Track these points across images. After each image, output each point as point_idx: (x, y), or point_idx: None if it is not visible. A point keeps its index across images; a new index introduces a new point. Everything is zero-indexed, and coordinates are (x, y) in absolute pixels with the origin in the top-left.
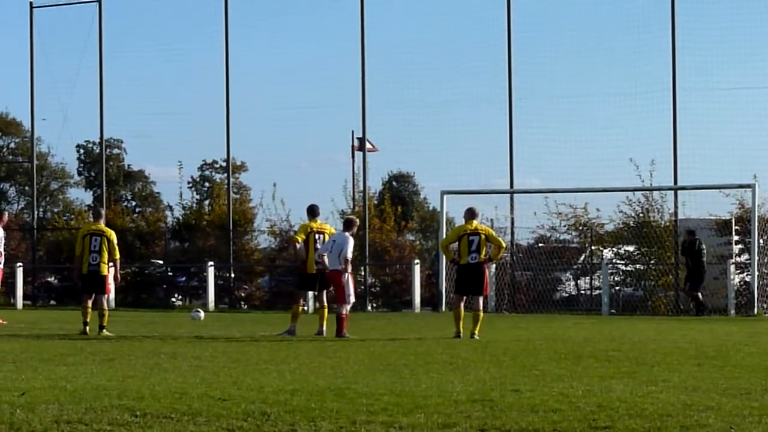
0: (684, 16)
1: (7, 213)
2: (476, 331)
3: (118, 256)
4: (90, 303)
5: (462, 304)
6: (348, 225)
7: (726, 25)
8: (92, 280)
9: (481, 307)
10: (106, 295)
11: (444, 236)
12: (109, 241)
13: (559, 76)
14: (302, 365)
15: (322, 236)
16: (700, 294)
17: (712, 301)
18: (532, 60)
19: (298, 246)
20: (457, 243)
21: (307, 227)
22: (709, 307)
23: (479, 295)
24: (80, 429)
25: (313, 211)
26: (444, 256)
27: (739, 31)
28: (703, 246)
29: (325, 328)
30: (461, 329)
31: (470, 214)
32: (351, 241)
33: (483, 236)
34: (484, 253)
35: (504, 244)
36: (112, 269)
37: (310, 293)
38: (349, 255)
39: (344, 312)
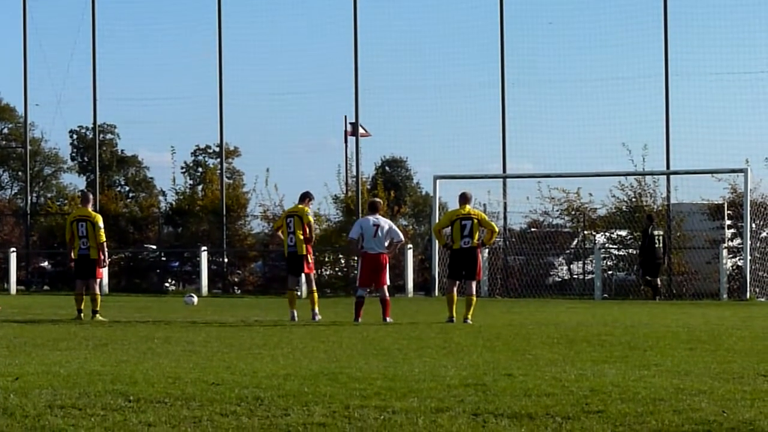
0: (676, 0)
1: None
2: (469, 316)
3: (103, 239)
4: (83, 289)
5: (455, 289)
6: (375, 207)
7: (718, 10)
8: (82, 265)
9: (474, 292)
10: (97, 280)
11: (437, 221)
12: (94, 224)
13: (551, 61)
14: (295, 350)
15: (292, 220)
16: (655, 279)
17: (705, 285)
18: (525, 44)
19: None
20: (449, 228)
21: (284, 213)
22: (662, 292)
23: (472, 279)
24: (74, 414)
25: (301, 197)
26: (436, 241)
27: (732, 16)
28: (656, 232)
29: (295, 312)
30: (454, 314)
31: (463, 198)
32: (392, 224)
33: (476, 221)
34: (477, 237)
35: (497, 229)
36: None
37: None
38: (402, 237)
39: (387, 295)
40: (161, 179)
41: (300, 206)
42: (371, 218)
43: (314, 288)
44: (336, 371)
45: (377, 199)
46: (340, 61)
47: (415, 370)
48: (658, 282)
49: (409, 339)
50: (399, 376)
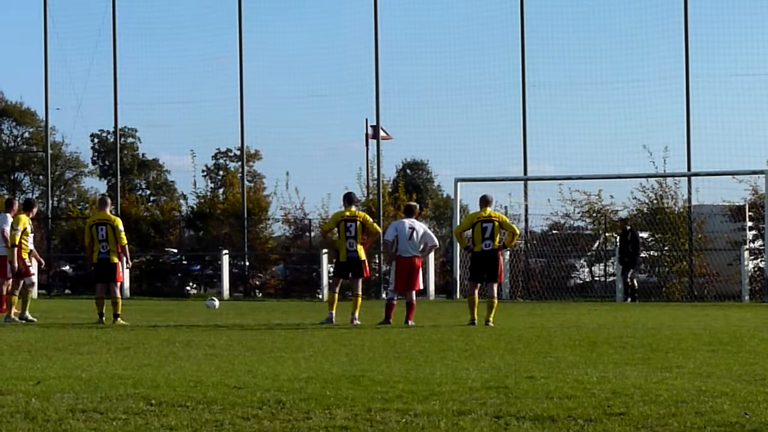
0: (696, 1)
1: (17, 202)
2: (491, 318)
3: (125, 242)
4: (104, 293)
5: (477, 291)
6: (411, 211)
7: (738, 11)
8: (103, 269)
9: (495, 294)
10: (118, 284)
11: (458, 223)
12: (114, 228)
13: (572, 63)
14: (317, 353)
15: (354, 224)
16: (632, 280)
17: (726, 287)
18: (546, 47)
19: (329, 235)
20: (470, 230)
21: (338, 216)
22: (637, 295)
23: (494, 282)
24: (95, 418)
25: (349, 199)
26: (458, 244)
27: (752, 17)
28: (629, 237)
29: (357, 315)
30: (476, 316)
31: (484, 201)
32: (427, 227)
33: (497, 223)
34: (498, 240)
35: (518, 231)
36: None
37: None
38: (436, 242)
39: (414, 299)
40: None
41: (358, 212)
42: (407, 221)
43: (359, 293)
44: (358, 374)
45: (413, 203)
46: (361, 63)
47: (436, 372)
48: (632, 282)
49: (431, 342)
50: (421, 379)
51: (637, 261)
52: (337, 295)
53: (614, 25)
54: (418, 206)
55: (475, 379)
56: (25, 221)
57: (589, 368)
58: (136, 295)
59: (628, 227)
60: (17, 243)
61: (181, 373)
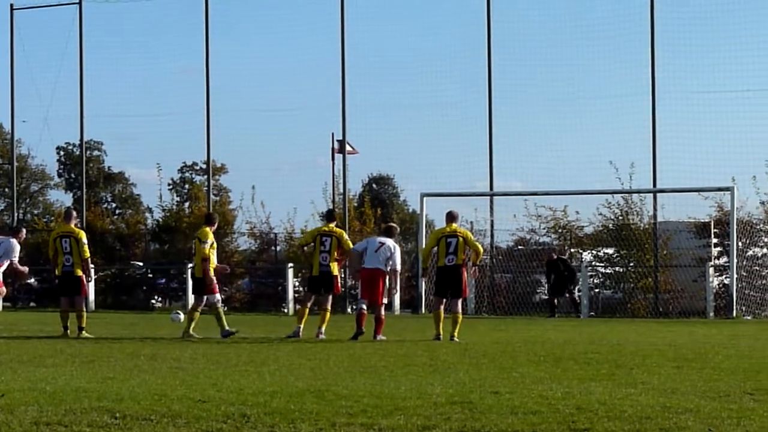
0: (662, 20)
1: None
2: (455, 333)
3: (87, 255)
4: (69, 306)
5: (442, 306)
6: (391, 232)
7: (705, 29)
8: (67, 282)
9: (459, 309)
10: (83, 297)
11: (424, 238)
12: (78, 240)
13: (539, 80)
14: (282, 367)
15: (329, 239)
16: (556, 300)
17: (691, 303)
18: (513, 63)
19: (306, 249)
20: (436, 246)
21: (315, 231)
22: (556, 315)
23: (458, 297)
24: (60, 431)
25: (329, 215)
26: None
27: (718, 35)
28: (561, 267)
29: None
30: (441, 331)
31: (450, 217)
32: (398, 251)
33: (461, 239)
34: (463, 256)
35: (481, 249)
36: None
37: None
38: (398, 267)
39: (382, 314)
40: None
41: (335, 228)
42: (381, 238)
43: (328, 308)
44: (322, 388)
45: (394, 225)
46: (327, 78)
47: (401, 387)
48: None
49: (396, 356)
50: (385, 394)
51: (573, 282)
52: (307, 310)
53: (581, 41)
54: (398, 229)
55: (440, 394)
56: None
57: (553, 384)
58: (101, 308)
59: (555, 256)
60: None
61: (146, 387)
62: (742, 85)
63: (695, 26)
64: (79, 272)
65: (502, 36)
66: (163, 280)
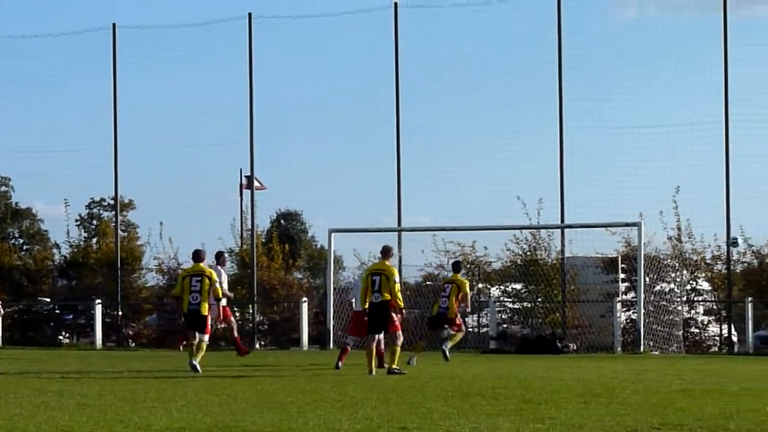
0: (571, 55)
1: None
2: (394, 365)
3: None
4: None
5: (374, 344)
6: (386, 253)
7: (613, 65)
8: None
9: (395, 342)
10: None
11: (331, 274)
12: None
13: (448, 116)
14: (190, 403)
15: (198, 278)
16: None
17: (599, 338)
18: (421, 98)
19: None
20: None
21: (183, 272)
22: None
23: (386, 332)
24: None
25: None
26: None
27: (625, 71)
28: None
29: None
30: (373, 367)
31: (382, 252)
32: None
33: (384, 276)
34: (387, 294)
35: (395, 288)
36: None
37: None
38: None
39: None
40: (56, 232)
41: (203, 266)
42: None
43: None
44: (230, 424)
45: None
46: (236, 113)
47: (309, 423)
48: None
49: (304, 392)
50: (293, 429)
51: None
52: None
53: (489, 76)
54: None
55: (348, 430)
56: None
57: (461, 419)
58: (9, 344)
59: None
60: None
61: (53, 423)
62: (649, 121)
63: (604, 61)
64: None
65: (410, 71)
66: (71, 316)
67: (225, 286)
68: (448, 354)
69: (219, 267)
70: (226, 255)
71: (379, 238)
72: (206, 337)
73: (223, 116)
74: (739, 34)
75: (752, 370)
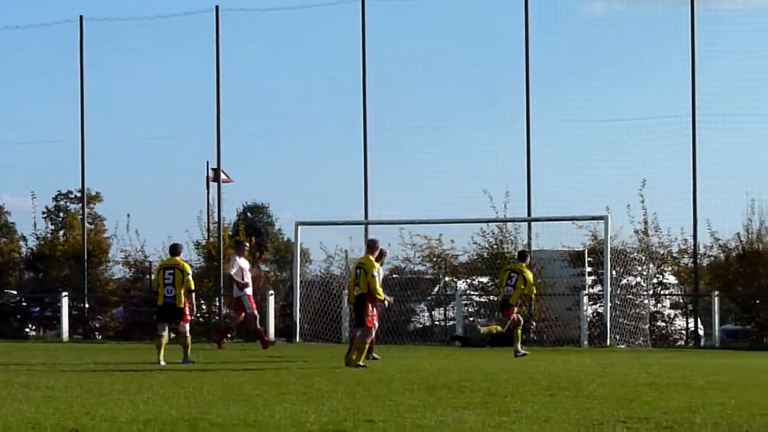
0: (538, 49)
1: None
2: (360, 361)
3: None
4: None
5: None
6: (369, 246)
7: (578, 59)
8: None
9: (359, 337)
10: None
11: (298, 267)
12: None
13: (415, 106)
14: (156, 395)
15: (171, 271)
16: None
17: (565, 331)
18: (389, 91)
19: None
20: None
21: (158, 265)
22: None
23: (360, 326)
24: None
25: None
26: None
27: (591, 65)
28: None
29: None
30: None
31: (366, 246)
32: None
33: (362, 270)
34: (365, 287)
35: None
36: None
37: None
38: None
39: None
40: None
41: (178, 259)
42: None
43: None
44: (197, 417)
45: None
46: (203, 105)
47: (275, 416)
48: None
49: (270, 385)
50: (260, 422)
51: None
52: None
53: (457, 68)
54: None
55: (314, 422)
56: None
57: (427, 412)
58: None
59: None
60: None
61: (19, 416)
62: (614, 115)
63: (570, 56)
64: None
65: (377, 64)
66: (37, 309)
67: (248, 276)
68: (521, 351)
69: (237, 256)
70: (245, 245)
71: (346, 231)
72: (187, 327)
73: (190, 109)
74: (706, 28)
75: (718, 364)
